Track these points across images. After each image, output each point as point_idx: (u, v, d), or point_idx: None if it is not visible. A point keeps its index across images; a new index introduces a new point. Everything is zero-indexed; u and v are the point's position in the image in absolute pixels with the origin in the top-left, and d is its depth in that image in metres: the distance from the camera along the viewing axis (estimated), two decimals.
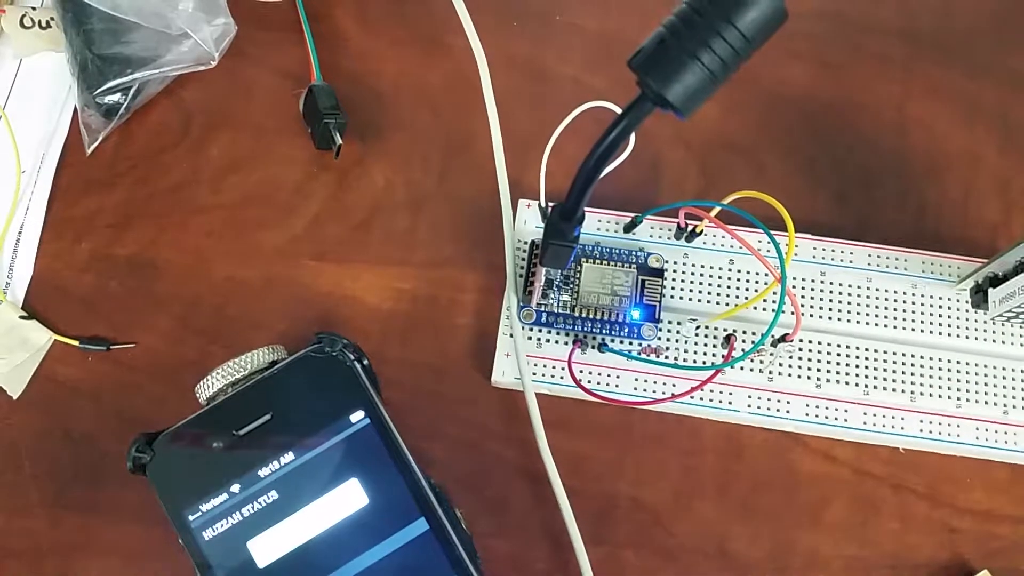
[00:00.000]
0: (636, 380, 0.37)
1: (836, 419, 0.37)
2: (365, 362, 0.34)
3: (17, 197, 0.42)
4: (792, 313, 0.36)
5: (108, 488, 0.38)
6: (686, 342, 0.38)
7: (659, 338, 0.37)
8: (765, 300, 0.38)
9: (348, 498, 0.32)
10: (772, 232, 0.33)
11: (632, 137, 0.33)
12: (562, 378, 0.37)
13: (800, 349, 0.37)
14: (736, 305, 0.37)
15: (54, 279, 0.41)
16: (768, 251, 0.38)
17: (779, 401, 0.37)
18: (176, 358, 0.39)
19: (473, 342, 0.39)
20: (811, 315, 0.38)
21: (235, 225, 0.42)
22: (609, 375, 0.37)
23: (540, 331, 0.38)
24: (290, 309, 0.40)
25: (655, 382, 0.37)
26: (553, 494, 0.36)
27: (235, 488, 0.32)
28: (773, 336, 0.36)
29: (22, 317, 0.40)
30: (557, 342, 0.38)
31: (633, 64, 0.24)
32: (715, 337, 0.38)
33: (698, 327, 0.36)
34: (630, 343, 0.37)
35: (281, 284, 0.40)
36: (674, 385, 0.37)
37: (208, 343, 0.39)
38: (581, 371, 0.37)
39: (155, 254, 0.41)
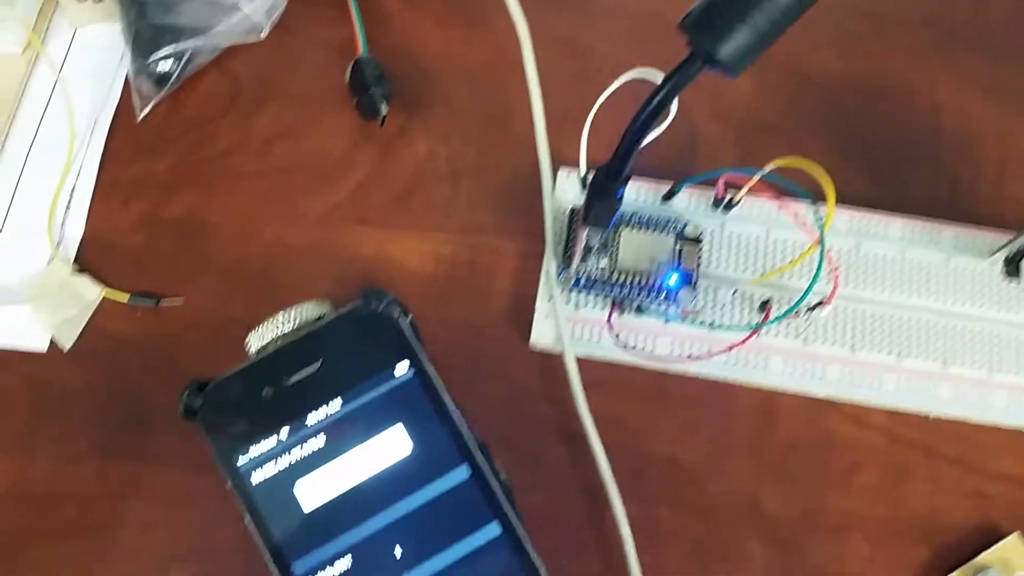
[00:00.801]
0: (672, 343, 0.38)
1: (870, 384, 0.37)
2: (409, 318, 0.35)
3: (70, 160, 0.43)
4: (830, 279, 0.36)
5: (155, 438, 0.39)
6: (723, 307, 0.38)
7: (696, 302, 0.38)
8: (801, 267, 0.38)
9: (392, 445, 0.32)
10: (809, 202, 0.34)
11: (674, 104, 0.34)
12: (599, 340, 0.38)
13: (835, 316, 0.38)
14: (775, 268, 0.38)
15: (105, 238, 0.42)
16: (804, 223, 0.39)
17: (813, 366, 0.38)
18: (222, 315, 0.40)
19: (511, 305, 0.40)
20: (846, 284, 0.39)
21: (281, 191, 0.43)
22: (646, 338, 0.38)
23: (578, 295, 0.39)
24: (334, 271, 0.41)
25: (691, 345, 0.38)
26: (589, 452, 0.37)
27: (283, 434, 0.33)
28: (809, 301, 0.37)
29: (74, 272, 0.41)
30: (594, 306, 0.39)
31: (684, 24, 0.25)
32: (752, 303, 0.38)
33: (735, 292, 0.37)
34: (667, 307, 0.38)
35: (325, 248, 0.42)
36: (710, 349, 0.38)
37: (254, 302, 0.40)
38: (618, 334, 0.38)
39: (203, 217, 0.42)
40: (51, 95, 0.45)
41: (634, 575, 0.35)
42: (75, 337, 0.40)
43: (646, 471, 0.38)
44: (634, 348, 0.38)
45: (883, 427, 0.38)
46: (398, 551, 0.32)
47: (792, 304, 0.36)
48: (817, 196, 0.34)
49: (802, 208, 0.38)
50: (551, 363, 0.39)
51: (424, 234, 0.42)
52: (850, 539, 0.37)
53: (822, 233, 0.32)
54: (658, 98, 0.26)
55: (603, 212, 0.31)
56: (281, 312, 0.35)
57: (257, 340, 0.35)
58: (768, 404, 0.38)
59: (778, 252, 0.39)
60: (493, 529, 0.32)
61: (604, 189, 0.29)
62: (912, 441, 0.38)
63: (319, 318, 0.35)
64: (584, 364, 0.38)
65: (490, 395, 0.39)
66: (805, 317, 0.38)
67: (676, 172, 0.41)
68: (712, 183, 0.39)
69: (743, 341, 0.37)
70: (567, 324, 0.38)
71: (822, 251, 0.32)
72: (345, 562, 0.32)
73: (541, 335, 0.39)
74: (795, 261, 0.35)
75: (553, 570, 0.32)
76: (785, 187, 0.35)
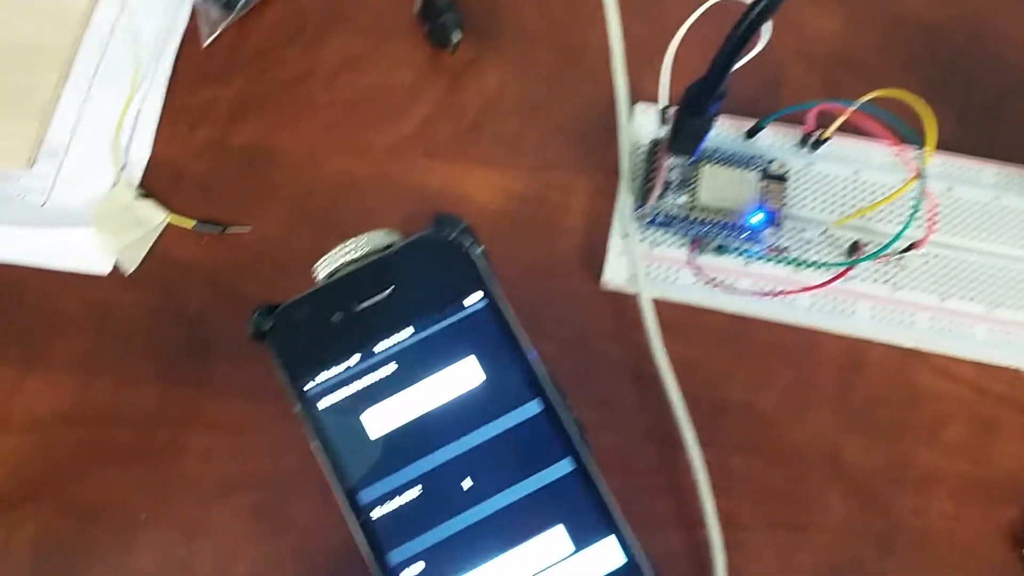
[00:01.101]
0: (753, 285, 0.37)
1: (960, 333, 0.36)
2: (481, 248, 0.34)
3: (136, 85, 0.43)
4: (925, 219, 0.35)
5: (218, 365, 0.38)
6: (809, 246, 0.37)
7: (781, 242, 0.37)
8: (892, 213, 0.37)
9: (463, 376, 0.31)
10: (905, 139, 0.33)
11: (768, 26, 0.32)
12: (675, 280, 0.37)
13: (926, 262, 0.37)
14: (871, 204, 0.36)
15: (170, 164, 0.41)
16: (892, 164, 0.37)
17: (902, 313, 0.36)
18: (289, 245, 0.40)
19: (582, 244, 0.39)
20: (937, 229, 0.37)
21: (349, 122, 0.42)
22: (725, 279, 0.37)
23: (654, 233, 0.38)
24: (401, 204, 0.40)
25: (774, 288, 0.36)
26: (661, 395, 0.36)
27: (352, 360, 0.32)
28: (900, 245, 0.35)
29: (138, 196, 0.40)
30: (671, 245, 0.37)
31: None
32: (839, 246, 0.37)
33: (824, 231, 0.36)
34: (750, 247, 0.37)
35: (392, 180, 0.41)
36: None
37: (320, 233, 0.39)
38: (696, 273, 0.37)
39: (270, 145, 0.41)
40: (117, 20, 0.45)
41: (709, 521, 0.34)
42: (138, 262, 0.40)
43: (721, 417, 0.36)
44: (713, 288, 0.37)
45: (971, 380, 0.37)
46: (467, 483, 0.31)
47: (887, 242, 0.34)
48: (915, 134, 0.33)
49: (899, 144, 0.37)
50: (622, 303, 0.38)
51: (494, 169, 0.41)
52: (934, 495, 0.35)
53: (922, 166, 0.30)
54: (760, 6, 0.25)
55: (693, 134, 0.29)
56: (351, 239, 0.34)
57: (325, 267, 0.34)
58: (852, 353, 0.37)
59: (867, 195, 0.38)
60: (565, 465, 0.31)
61: (697, 105, 0.28)
62: (1001, 396, 0.36)
63: (388, 246, 0.35)
64: (658, 305, 0.37)
65: (559, 335, 0.38)
66: (896, 260, 0.36)
67: (760, 111, 0.39)
68: (798, 122, 0.37)
69: (836, 278, 0.35)
70: (642, 263, 0.37)
71: (921, 185, 0.30)
72: (413, 492, 0.31)
73: (614, 274, 0.37)
74: (891, 196, 0.33)
75: (624, 512, 0.30)
76: (881, 118, 0.33)
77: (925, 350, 0.37)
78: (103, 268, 0.40)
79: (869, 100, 0.33)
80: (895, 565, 0.35)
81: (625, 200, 0.38)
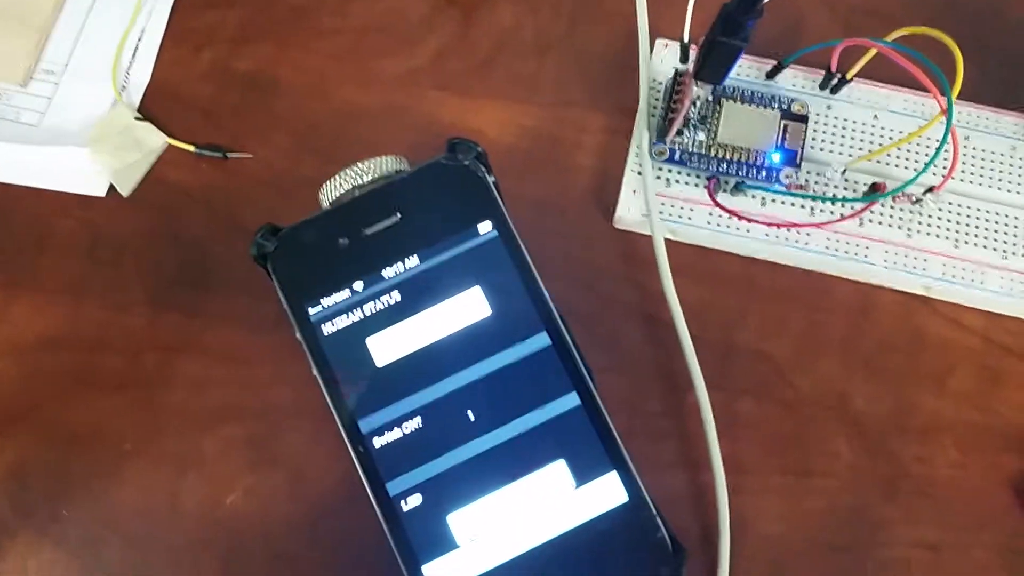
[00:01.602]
0: (769, 227, 0.36)
1: (972, 280, 0.36)
2: (493, 178, 0.33)
3: (139, 4, 0.41)
4: (945, 163, 0.35)
5: (214, 293, 0.37)
6: (827, 186, 0.36)
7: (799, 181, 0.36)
8: (910, 159, 0.37)
9: (470, 306, 0.31)
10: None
11: None
12: (689, 219, 0.36)
13: (940, 209, 0.36)
14: (894, 141, 0.35)
15: (172, 86, 0.40)
16: (911, 111, 0.37)
17: (915, 258, 0.36)
18: (292, 174, 0.39)
19: (595, 183, 0.38)
20: (953, 177, 0.37)
21: (358, 51, 0.41)
22: (740, 219, 0.36)
23: (670, 171, 0.37)
24: (409, 137, 0.39)
25: (788, 230, 0.36)
26: (670, 337, 0.35)
27: (358, 286, 0.31)
28: (917, 191, 0.35)
29: (137, 118, 0.39)
30: (687, 183, 0.37)
31: None
32: (857, 189, 0.37)
33: (844, 171, 0.35)
34: (767, 186, 0.36)
35: (401, 112, 0.40)
36: (809, 235, 0.36)
37: (325, 163, 0.38)
38: (711, 213, 0.36)
39: (275, 72, 0.40)
40: None
41: (715, 464, 0.33)
42: (135, 184, 0.38)
43: (730, 361, 0.36)
44: (727, 229, 0.36)
45: (980, 330, 0.36)
46: (471, 415, 0.30)
47: (909, 179, 0.34)
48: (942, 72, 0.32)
49: (910, 98, 0.37)
50: (633, 244, 0.37)
51: (506, 104, 0.40)
52: (940, 443, 0.35)
53: (949, 101, 0.30)
54: None
55: (724, 58, 0.28)
56: (358, 163, 0.33)
57: (332, 191, 0.33)
58: (864, 298, 0.37)
59: (885, 140, 0.38)
60: (571, 400, 0.30)
61: (733, 24, 0.27)
62: (1009, 346, 0.36)
63: (397, 172, 0.33)
64: (670, 246, 0.36)
65: (568, 274, 0.37)
66: (912, 204, 0.36)
67: (780, 55, 0.39)
68: (818, 67, 0.37)
69: (855, 214, 0.35)
70: (656, 200, 0.36)
71: (949, 119, 0.30)
72: (415, 423, 0.30)
73: (626, 212, 0.37)
74: (918, 131, 0.33)
75: (627, 452, 0.30)
76: (910, 54, 0.32)
77: (936, 297, 0.37)
78: (98, 189, 0.38)
79: (897, 38, 0.32)
80: (899, 512, 0.34)
81: (642, 136, 0.37)
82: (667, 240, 0.36)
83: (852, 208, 0.36)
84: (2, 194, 0.39)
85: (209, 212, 0.38)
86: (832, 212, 0.36)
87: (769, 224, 0.36)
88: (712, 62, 0.29)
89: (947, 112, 0.30)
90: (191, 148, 0.39)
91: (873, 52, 0.34)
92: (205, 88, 0.40)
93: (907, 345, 0.36)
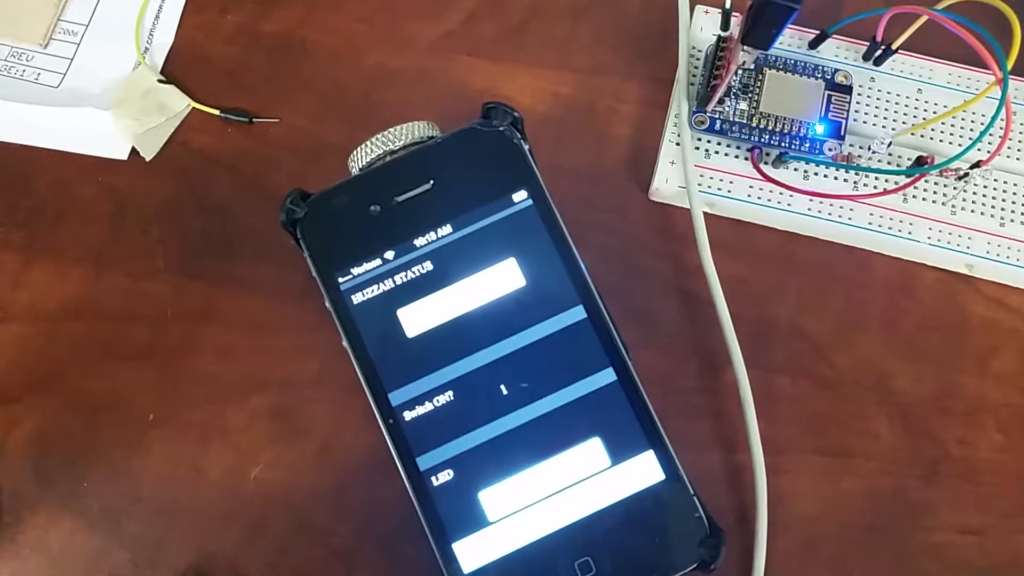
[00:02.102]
0: (811, 200, 0.35)
1: (1017, 260, 0.35)
2: (528, 145, 0.32)
3: None
4: (992, 138, 0.34)
5: (240, 261, 0.36)
6: (870, 159, 0.35)
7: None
8: (957, 134, 0.36)
9: (504, 277, 0.30)
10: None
11: None
12: (728, 191, 0.35)
13: (987, 186, 0.35)
14: (944, 112, 0.35)
15: (196, 49, 0.39)
16: (957, 84, 0.36)
17: (959, 236, 0.35)
18: (320, 139, 0.38)
19: (631, 153, 0.37)
20: (1001, 154, 0.35)
21: (388, 13, 0.40)
22: (782, 192, 0.35)
23: (709, 141, 0.36)
24: (440, 103, 0.38)
25: (831, 204, 0.35)
26: (706, 312, 0.34)
27: (389, 255, 0.30)
28: (964, 165, 0.34)
29: (160, 81, 0.38)
30: (727, 155, 0.36)
31: None
32: (905, 160, 0.36)
33: (890, 144, 0.34)
34: (811, 158, 0.35)
35: (433, 77, 0.39)
36: (852, 209, 0.35)
37: (354, 128, 0.37)
38: (751, 185, 0.35)
39: (303, 34, 0.39)
40: None
41: (753, 443, 0.33)
42: (158, 149, 0.38)
43: (767, 337, 0.35)
44: (769, 202, 0.35)
45: None
46: (504, 390, 0.30)
47: (962, 150, 0.33)
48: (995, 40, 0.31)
49: (955, 71, 0.36)
50: (669, 217, 0.37)
51: (540, 71, 0.39)
52: (983, 426, 0.34)
53: (1005, 71, 0.29)
54: None
55: (774, 20, 0.27)
56: (388, 129, 0.32)
57: (362, 157, 0.32)
58: (905, 277, 0.36)
59: (930, 114, 0.36)
60: (607, 375, 0.30)
61: None
62: None
63: (429, 139, 0.32)
64: (707, 219, 0.35)
65: (600, 246, 0.36)
66: (958, 180, 0.35)
67: (823, 25, 0.37)
68: (862, 36, 0.36)
69: (901, 188, 0.34)
70: (694, 172, 0.35)
71: (1004, 90, 0.29)
72: (446, 396, 0.30)
73: (663, 183, 0.36)
74: (972, 101, 0.32)
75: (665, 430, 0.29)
76: (961, 23, 0.31)
77: (979, 277, 0.36)
78: (120, 153, 0.37)
79: (948, 6, 0.31)
80: (940, 496, 0.33)
81: (681, 105, 0.36)
82: (704, 213, 0.35)
83: (897, 182, 0.35)
84: (22, 157, 0.38)
85: (234, 178, 0.37)
86: (876, 186, 0.35)
87: (813, 194, 0.35)
88: (762, 24, 0.28)
89: (1002, 83, 0.29)
90: (216, 112, 0.38)
91: (922, 20, 0.33)
92: (230, 50, 0.39)
93: (949, 325, 0.35)
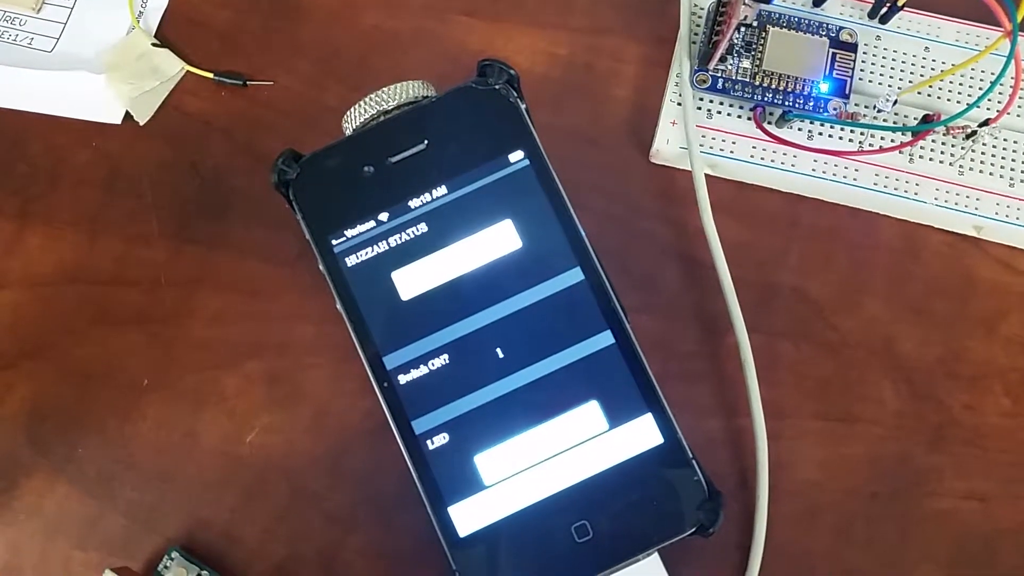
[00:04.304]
0: (815, 160, 0.34)
1: None
2: (525, 105, 0.32)
3: None
4: (1002, 96, 0.33)
5: (234, 225, 0.36)
6: (875, 117, 0.35)
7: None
8: (964, 92, 0.35)
9: (500, 239, 0.29)
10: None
11: None
12: (731, 152, 0.35)
13: (995, 146, 0.34)
14: (949, 68, 0.34)
15: (190, 12, 0.39)
16: (964, 42, 0.36)
17: (967, 197, 0.34)
18: (315, 102, 0.37)
19: (631, 115, 0.37)
20: (1009, 113, 0.35)
21: None
22: (786, 152, 0.35)
23: (711, 101, 0.35)
24: (437, 65, 0.38)
25: (836, 164, 0.34)
26: (708, 276, 0.34)
27: (383, 216, 0.30)
28: (971, 125, 0.33)
29: (154, 44, 0.38)
30: (729, 114, 0.35)
31: None
32: (912, 120, 0.35)
33: (895, 102, 0.33)
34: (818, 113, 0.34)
35: (429, 38, 0.38)
36: (857, 170, 0.34)
37: (349, 90, 0.37)
38: (754, 146, 0.35)
39: None
40: None
41: (754, 408, 0.32)
42: (152, 112, 0.37)
43: (770, 302, 0.35)
44: (772, 163, 0.34)
45: None
46: (500, 353, 0.29)
47: (970, 104, 0.32)
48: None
49: (962, 28, 0.35)
50: (670, 179, 0.36)
51: (538, 31, 0.38)
52: (990, 391, 0.34)
53: (1014, 21, 0.28)
54: None
55: None
56: (383, 89, 0.31)
57: (356, 117, 0.31)
58: (911, 239, 0.35)
59: (938, 72, 0.36)
60: (605, 338, 0.29)
61: None
62: None
63: (424, 98, 0.32)
64: (709, 181, 0.35)
65: (599, 210, 0.36)
66: (966, 139, 0.34)
67: None
68: None
69: (910, 142, 0.33)
70: (696, 132, 0.34)
71: (1014, 42, 0.28)
72: (442, 360, 0.29)
73: (664, 144, 0.35)
74: (979, 55, 0.31)
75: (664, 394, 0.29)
76: None
77: (987, 239, 0.35)
78: (114, 117, 0.37)
79: None
80: (946, 461, 0.33)
81: (683, 63, 0.35)
82: (706, 176, 0.35)
83: (903, 139, 0.34)
84: (16, 121, 0.38)
85: (229, 142, 0.37)
86: (883, 144, 0.34)
87: (818, 151, 0.34)
88: None
89: (1011, 35, 0.28)
90: (210, 75, 0.37)
91: None
92: (224, 13, 0.38)
93: (956, 288, 0.35)
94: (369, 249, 0.30)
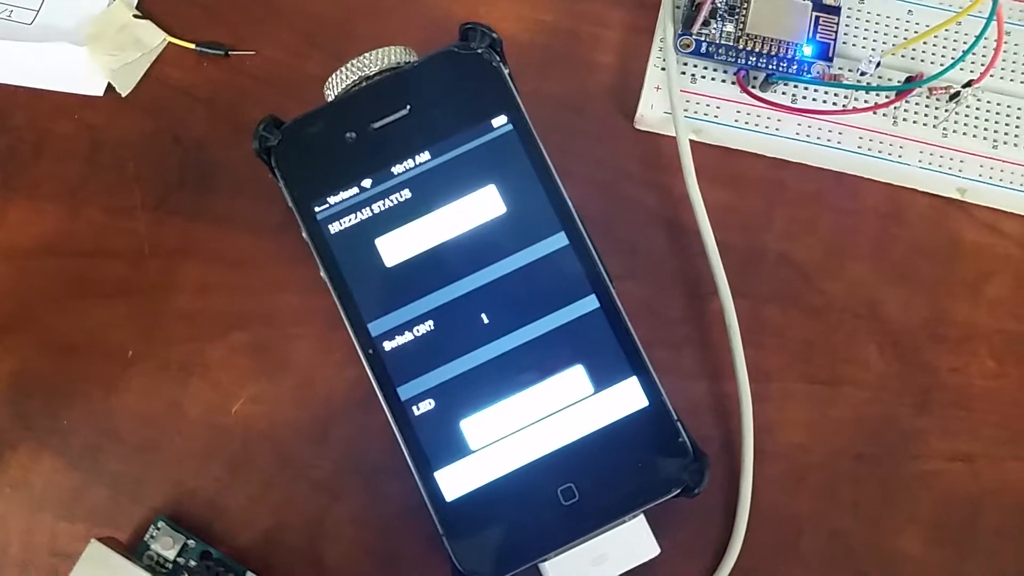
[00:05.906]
0: (799, 124, 0.34)
1: (1010, 183, 0.34)
2: (508, 69, 0.31)
3: None
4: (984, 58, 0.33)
5: (217, 197, 0.36)
6: (858, 79, 0.34)
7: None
8: (947, 54, 0.35)
9: (484, 205, 0.29)
10: None
11: None
12: (715, 117, 0.35)
13: (979, 108, 0.34)
14: (934, 27, 0.33)
15: None
16: (949, 3, 0.35)
17: (951, 159, 0.34)
18: (297, 71, 0.37)
19: (615, 81, 0.36)
20: (992, 75, 0.34)
21: None
22: (770, 116, 0.34)
23: (695, 65, 0.35)
24: (420, 33, 0.37)
25: (820, 128, 0.34)
26: (693, 241, 0.34)
27: (366, 183, 0.29)
28: (957, 84, 0.33)
29: (136, 15, 0.37)
30: (714, 79, 0.35)
31: None
32: (895, 83, 0.35)
33: (878, 63, 0.33)
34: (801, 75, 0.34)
35: (412, 5, 0.38)
36: (841, 133, 0.34)
37: (332, 59, 0.36)
38: (738, 111, 0.35)
39: None
40: None
41: (739, 371, 0.32)
42: (134, 83, 0.37)
43: (755, 266, 0.34)
44: (756, 127, 0.34)
45: (1017, 235, 0.35)
46: (485, 319, 0.29)
47: (952, 63, 0.32)
48: None
49: None
50: (656, 144, 0.36)
51: None
52: (975, 353, 0.34)
53: None
54: None
55: None
56: (364, 54, 0.31)
57: (337, 84, 0.31)
58: (895, 202, 0.35)
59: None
60: (590, 303, 0.29)
61: None
62: None
63: (405, 63, 0.32)
64: (693, 147, 0.34)
65: (584, 176, 0.35)
66: (949, 100, 0.34)
67: None
68: None
69: (893, 101, 0.33)
70: (680, 97, 0.34)
71: (995, 1, 0.28)
72: (427, 326, 0.29)
73: (648, 110, 0.35)
74: (961, 13, 0.31)
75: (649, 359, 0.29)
76: None
77: (971, 201, 0.35)
78: (95, 89, 0.37)
79: None
80: (932, 423, 0.33)
81: (666, 28, 0.35)
82: (691, 141, 0.34)
83: (887, 97, 0.34)
84: None
85: (211, 112, 0.36)
86: (867, 102, 0.35)
87: (802, 112, 0.34)
88: None
89: None
90: (192, 46, 0.37)
91: None
92: None
93: (941, 251, 0.35)
94: (352, 216, 0.30)
